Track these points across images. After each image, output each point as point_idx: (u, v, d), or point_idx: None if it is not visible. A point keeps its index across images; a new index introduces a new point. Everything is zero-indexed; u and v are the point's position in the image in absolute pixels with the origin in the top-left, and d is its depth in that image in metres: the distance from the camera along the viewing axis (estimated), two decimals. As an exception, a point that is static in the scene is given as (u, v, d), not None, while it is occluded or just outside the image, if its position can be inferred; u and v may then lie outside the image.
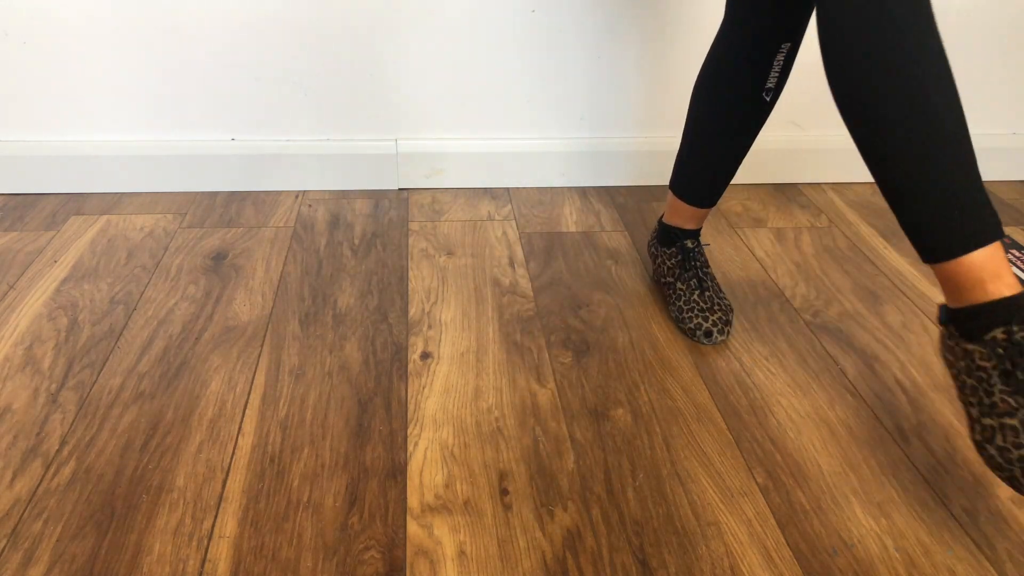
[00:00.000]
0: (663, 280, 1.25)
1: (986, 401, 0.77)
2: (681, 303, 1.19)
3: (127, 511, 0.86)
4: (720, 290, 1.21)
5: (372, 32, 1.48)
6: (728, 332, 1.16)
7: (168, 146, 1.54)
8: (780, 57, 1.02)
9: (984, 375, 0.78)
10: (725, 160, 1.13)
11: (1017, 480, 0.75)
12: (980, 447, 0.78)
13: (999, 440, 0.76)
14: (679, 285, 1.21)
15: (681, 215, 1.21)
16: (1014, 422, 0.75)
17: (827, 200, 1.61)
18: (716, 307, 1.17)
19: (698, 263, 1.21)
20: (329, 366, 1.09)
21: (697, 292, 1.19)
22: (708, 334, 1.15)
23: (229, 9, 1.44)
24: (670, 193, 1.22)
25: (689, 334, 1.17)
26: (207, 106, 1.52)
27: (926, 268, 1.37)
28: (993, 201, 1.62)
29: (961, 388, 0.81)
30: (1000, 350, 0.76)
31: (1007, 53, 1.62)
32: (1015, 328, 0.76)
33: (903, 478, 0.93)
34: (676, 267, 1.22)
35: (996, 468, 0.77)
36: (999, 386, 0.77)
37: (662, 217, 1.27)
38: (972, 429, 0.80)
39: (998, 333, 0.77)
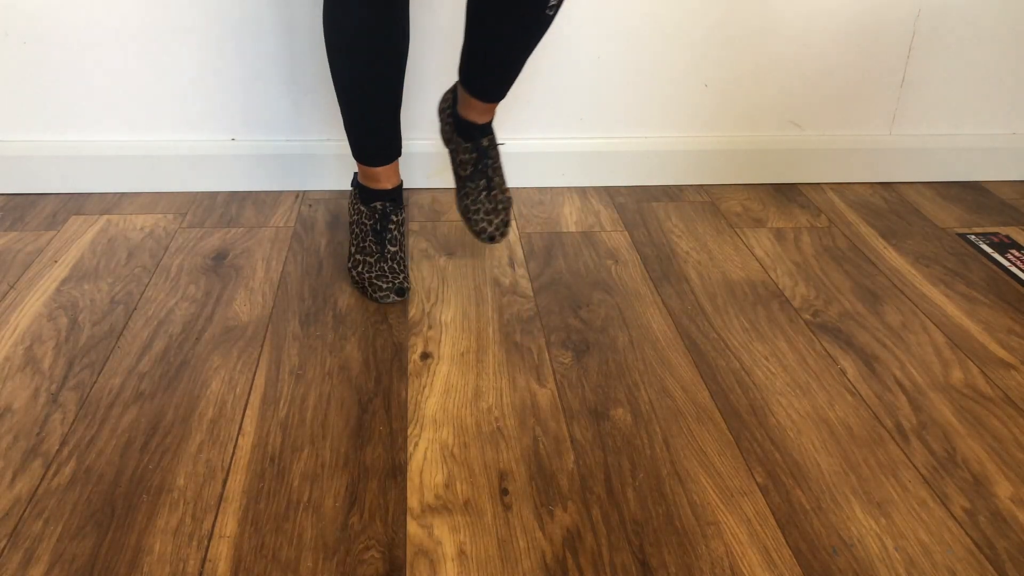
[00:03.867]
0: (457, 172, 1.32)
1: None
2: (468, 202, 1.29)
3: (127, 511, 0.86)
4: (504, 184, 1.31)
5: (372, 32, 1.48)
6: (506, 232, 1.29)
7: (168, 146, 1.54)
8: None
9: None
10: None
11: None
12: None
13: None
14: (469, 184, 1.29)
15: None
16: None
17: (827, 200, 1.61)
18: (500, 207, 1.29)
19: (490, 160, 1.29)
20: (329, 366, 1.09)
21: (484, 193, 1.28)
22: (491, 238, 1.28)
23: (229, 9, 1.44)
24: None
25: (476, 235, 1.29)
26: (207, 106, 1.52)
27: (926, 269, 1.37)
28: (993, 201, 1.62)
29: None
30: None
31: (1007, 53, 1.62)
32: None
33: (903, 478, 0.93)
34: (469, 164, 1.29)
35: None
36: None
37: (456, 108, 1.30)
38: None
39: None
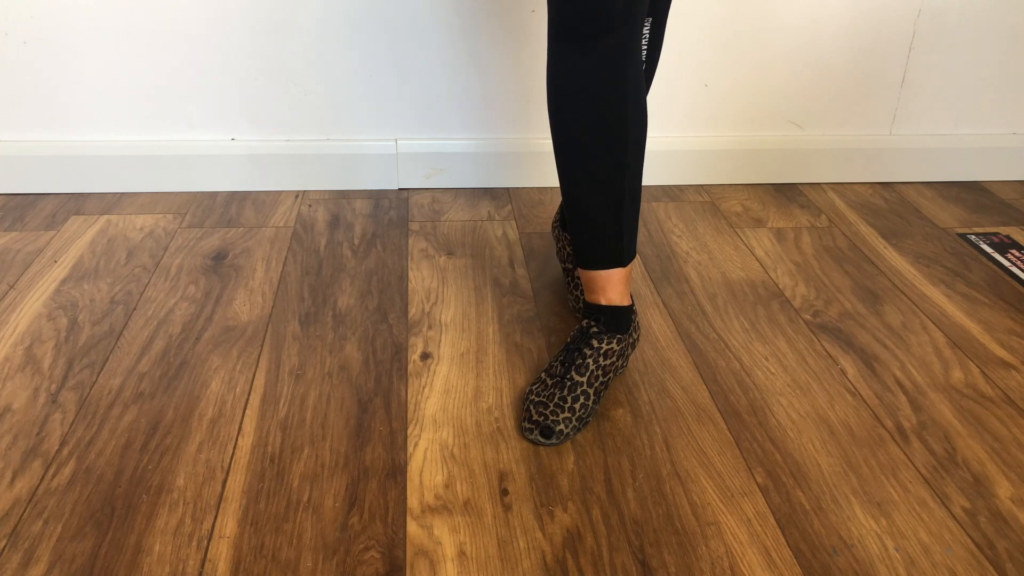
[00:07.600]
0: (564, 265, 1.25)
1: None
2: (579, 292, 1.19)
3: (127, 511, 0.86)
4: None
5: (372, 32, 1.48)
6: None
7: (168, 146, 1.54)
8: (644, 31, 1.04)
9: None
10: None
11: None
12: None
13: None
14: (577, 272, 1.17)
15: None
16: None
17: (827, 200, 1.61)
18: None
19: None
20: (329, 366, 1.09)
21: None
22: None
23: (229, 9, 1.44)
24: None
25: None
26: (207, 106, 1.52)
27: (926, 269, 1.37)
28: (993, 201, 1.62)
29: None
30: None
31: (1007, 53, 1.62)
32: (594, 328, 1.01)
33: (903, 478, 0.93)
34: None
35: None
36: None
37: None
38: None
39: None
